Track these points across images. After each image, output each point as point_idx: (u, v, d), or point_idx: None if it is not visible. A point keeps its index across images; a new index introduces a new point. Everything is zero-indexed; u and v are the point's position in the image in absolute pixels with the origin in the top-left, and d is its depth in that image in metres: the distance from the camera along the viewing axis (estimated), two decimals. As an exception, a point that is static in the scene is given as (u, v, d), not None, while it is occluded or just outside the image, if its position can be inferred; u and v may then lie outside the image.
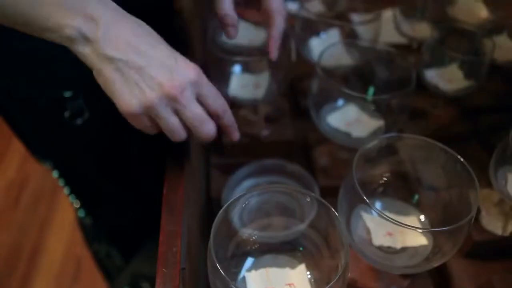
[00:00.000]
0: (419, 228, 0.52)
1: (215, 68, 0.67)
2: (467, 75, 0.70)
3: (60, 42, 0.43)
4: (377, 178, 0.57)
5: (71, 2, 0.41)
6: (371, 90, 0.67)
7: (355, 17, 0.84)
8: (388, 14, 0.88)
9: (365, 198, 0.46)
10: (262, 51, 0.66)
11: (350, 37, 0.79)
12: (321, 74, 0.61)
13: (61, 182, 0.82)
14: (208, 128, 0.49)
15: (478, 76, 0.69)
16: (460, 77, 0.70)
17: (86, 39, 0.42)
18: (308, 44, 0.80)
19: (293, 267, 0.50)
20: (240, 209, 0.50)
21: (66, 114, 0.67)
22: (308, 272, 0.49)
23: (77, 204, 0.88)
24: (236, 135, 0.55)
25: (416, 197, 0.56)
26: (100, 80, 0.45)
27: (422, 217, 0.55)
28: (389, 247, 0.52)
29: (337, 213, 0.50)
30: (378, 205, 0.56)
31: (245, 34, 0.79)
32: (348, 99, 0.66)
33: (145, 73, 0.44)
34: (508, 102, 0.70)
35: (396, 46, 0.83)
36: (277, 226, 0.54)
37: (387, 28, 0.85)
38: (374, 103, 0.65)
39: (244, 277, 0.48)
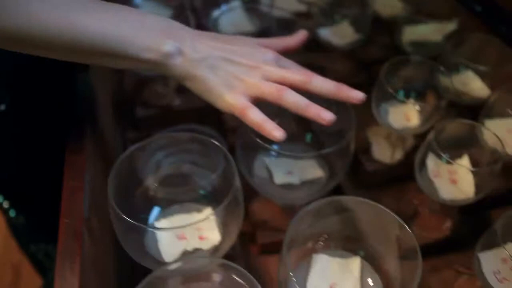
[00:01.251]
0: (310, 156, 0.57)
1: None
2: (357, 30, 0.76)
3: (155, 59, 0.47)
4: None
5: (163, 29, 0.48)
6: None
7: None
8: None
9: (264, 144, 0.50)
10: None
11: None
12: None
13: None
14: (300, 71, 0.51)
15: (365, 30, 0.75)
16: (350, 33, 0.76)
17: (180, 52, 0.47)
18: (213, 18, 0.84)
19: (199, 212, 0.53)
20: (146, 158, 0.53)
21: None
22: (215, 217, 0.52)
23: (6, 204, 0.86)
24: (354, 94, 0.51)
25: (309, 136, 0.61)
26: (197, 87, 0.49)
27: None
28: (289, 184, 0.57)
29: (241, 161, 0.55)
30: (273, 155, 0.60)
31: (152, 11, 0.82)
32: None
33: (232, 61, 0.49)
34: (393, 52, 0.77)
35: (297, 14, 0.89)
36: (185, 175, 0.57)
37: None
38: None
39: (152, 225, 0.51)
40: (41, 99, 0.71)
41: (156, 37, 0.47)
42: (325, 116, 0.47)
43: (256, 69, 0.49)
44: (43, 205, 0.88)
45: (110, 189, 0.44)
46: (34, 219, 0.90)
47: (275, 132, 0.46)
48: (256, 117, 0.47)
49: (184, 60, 0.48)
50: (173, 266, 0.41)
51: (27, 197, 0.86)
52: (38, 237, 0.94)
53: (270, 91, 0.48)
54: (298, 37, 0.56)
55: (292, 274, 0.39)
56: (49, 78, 0.71)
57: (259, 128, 0.47)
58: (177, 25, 0.50)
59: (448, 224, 0.60)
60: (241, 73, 0.49)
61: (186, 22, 0.72)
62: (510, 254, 0.42)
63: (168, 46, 0.47)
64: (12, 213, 0.88)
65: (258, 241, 0.60)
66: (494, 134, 0.53)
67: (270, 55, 0.51)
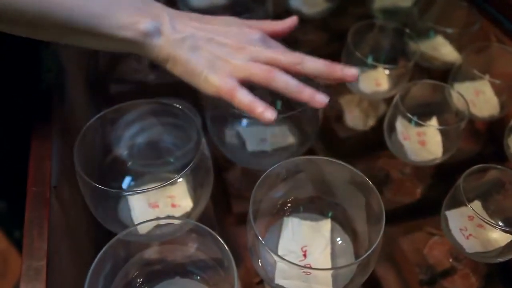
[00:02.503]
0: (280, 119, 0.56)
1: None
2: (327, -2, 0.76)
3: (132, 38, 0.44)
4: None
5: (140, 7, 0.45)
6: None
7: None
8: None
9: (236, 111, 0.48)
10: None
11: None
12: (183, 10, 0.64)
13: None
14: (289, 53, 0.47)
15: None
16: (321, 1, 0.76)
17: (159, 31, 0.44)
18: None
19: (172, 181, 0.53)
20: (118, 127, 0.53)
21: None
22: (186, 185, 0.52)
23: None
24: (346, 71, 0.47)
25: (279, 103, 0.61)
26: (179, 69, 0.46)
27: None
28: (262, 152, 0.57)
29: (214, 131, 0.55)
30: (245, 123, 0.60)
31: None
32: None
33: (216, 41, 0.46)
34: (365, 19, 0.78)
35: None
36: (158, 147, 0.57)
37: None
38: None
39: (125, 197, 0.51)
40: (7, 73, 0.70)
41: (132, 15, 0.44)
42: (319, 98, 0.45)
43: (242, 50, 0.46)
44: (25, 189, 0.87)
45: (76, 156, 0.44)
46: (17, 204, 0.89)
47: (267, 113, 0.43)
48: (245, 98, 0.44)
49: (164, 40, 0.45)
50: (141, 228, 0.42)
51: (7, 182, 0.85)
52: (22, 222, 0.94)
53: (258, 72, 0.45)
54: (287, 23, 0.52)
55: (260, 238, 0.39)
56: (13, 48, 0.69)
57: (249, 109, 0.44)
58: (155, 3, 0.47)
59: (419, 188, 0.61)
60: (226, 54, 0.46)
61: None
62: (475, 211, 0.43)
63: (146, 24, 0.44)
64: None
65: (233, 210, 0.60)
66: (459, 93, 0.53)
67: (257, 35, 0.48)
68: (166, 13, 0.46)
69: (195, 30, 0.46)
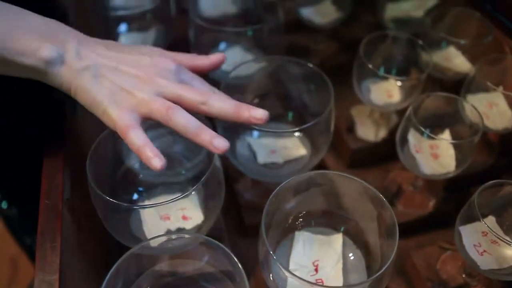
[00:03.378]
0: (292, 132, 0.57)
1: (101, 30, 0.69)
2: (339, 8, 0.76)
3: (34, 65, 0.41)
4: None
5: (44, 31, 0.42)
6: (249, 32, 0.71)
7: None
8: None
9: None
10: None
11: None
12: (194, 19, 0.64)
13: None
14: (197, 90, 0.44)
15: (347, 8, 0.75)
16: (332, 11, 0.76)
17: (61, 59, 0.42)
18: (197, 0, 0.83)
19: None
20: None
21: None
22: (197, 197, 0.52)
23: None
24: (254, 112, 0.44)
25: (291, 115, 0.61)
26: (81, 99, 0.43)
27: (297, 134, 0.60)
28: (273, 163, 0.57)
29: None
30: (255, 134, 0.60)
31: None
32: (229, 41, 0.70)
33: (121, 71, 0.43)
34: (376, 30, 0.77)
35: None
36: (170, 158, 0.57)
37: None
38: (254, 41, 0.69)
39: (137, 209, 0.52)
40: (20, 84, 0.71)
41: (34, 40, 0.41)
42: (218, 144, 0.41)
43: (148, 82, 0.43)
44: (36, 195, 0.88)
45: (88, 169, 0.44)
46: (28, 210, 0.90)
47: (153, 160, 0.40)
48: (136, 140, 0.41)
49: (67, 68, 0.42)
50: (153, 243, 0.42)
51: (18, 188, 0.86)
52: (32, 228, 0.94)
53: (159, 109, 0.42)
54: (212, 59, 0.48)
55: (272, 254, 0.39)
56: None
57: (138, 152, 0.41)
58: (63, 28, 0.44)
59: (432, 201, 0.60)
60: (130, 85, 0.42)
61: (167, 6, 0.73)
62: (489, 227, 0.43)
63: (47, 51, 0.41)
64: (4, 205, 0.87)
65: (245, 222, 0.60)
66: (473, 106, 0.53)
67: (170, 65, 0.45)
68: (73, 39, 0.43)
69: (101, 57, 0.43)
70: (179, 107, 0.42)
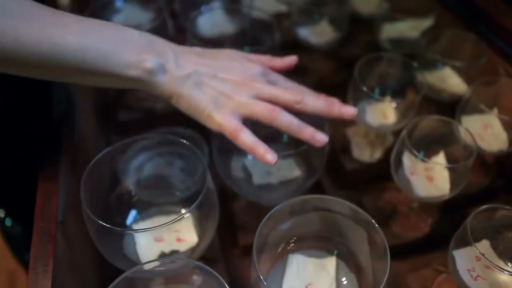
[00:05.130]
0: (287, 154, 0.56)
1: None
2: (336, 29, 0.76)
3: (138, 76, 0.45)
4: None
5: (143, 44, 0.46)
6: (246, 49, 0.72)
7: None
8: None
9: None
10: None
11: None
12: (192, 40, 0.65)
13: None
14: (291, 90, 0.48)
15: (344, 28, 0.76)
16: (329, 31, 0.77)
17: (163, 69, 0.46)
18: (192, 18, 0.84)
19: (178, 215, 0.54)
20: (124, 160, 0.53)
21: None
22: (191, 219, 0.52)
23: (2, 213, 0.85)
24: (345, 110, 0.49)
25: (286, 136, 0.61)
26: (183, 105, 0.47)
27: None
28: (268, 184, 0.57)
29: (219, 163, 0.55)
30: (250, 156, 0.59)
31: (131, 15, 0.82)
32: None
33: (219, 77, 0.47)
34: (373, 50, 0.78)
35: (277, 14, 0.89)
36: (164, 178, 0.58)
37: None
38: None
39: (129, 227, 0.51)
40: (23, 105, 0.71)
41: (138, 53, 0.45)
42: (319, 137, 0.46)
43: (245, 86, 0.47)
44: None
45: (82, 191, 0.44)
46: (32, 228, 0.90)
47: (268, 155, 0.45)
48: (248, 140, 0.45)
49: (169, 77, 0.46)
50: (146, 267, 0.41)
51: (23, 206, 0.85)
52: None
53: (262, 112, 0.46)
54: (287, 61, 0.53)
55: (262, 277, 0.39)
56: (25, 80, 0.70)
57: (252, 150, 0.45)
58: (159, 40, 0.48)
59: (427, 223, 0.60)
60: (229, 91, 0.47)
61: (165, 25, 0.73)
62: (481, 253, 0.42)
63: (150, 62, 0.45)
64: (8, 222, 0.87)
65: (240, 243, 0.60)
66: (467, 130, 0.53)
67: (258, 69, 0.49)
68: (170, 50, 0.47)
69: (199, 66, 0.47)
70: (280, 108, 0.47)
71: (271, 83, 0.49)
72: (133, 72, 0.45)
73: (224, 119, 0.46)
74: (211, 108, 0.46)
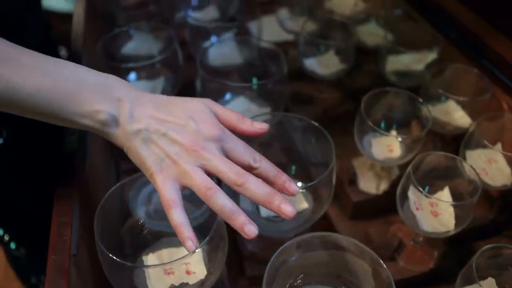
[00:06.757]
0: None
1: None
2: (342, 60, 0.78)
3: (91, 126, 0.45)
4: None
5: (100, 90, 0.45)
6: (254, 80, 0.74)
7: (246, 20, 0.91)
8: (280, 13, 0.95)
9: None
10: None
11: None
12: (201, 71, 0.67)
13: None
14: (236, 170, 0.45)
15: (350, 60, 0.78)
16: (336, 62, 0.78)
17: (116, 122, 0.46)
18: (202, 49, 0.86)
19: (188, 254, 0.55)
20: (135, 193, 0.54)
21: None
22: (201, 252, 0.53)
23: (7, 237, 0.86)
24: (288, 186, 0.47)
25: (294, 167, 0.62)
26: (132, 158, 0.47)
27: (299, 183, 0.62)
28: (275, 217, 0.58)
29: (227, 194, 0.56)
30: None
31: (142, 44, 0.84)
32: (234, 92, 0.72)
33: (169, 137, 0.46)
34: (378, 80, 0.79)
35: (284, 43, 0.91)
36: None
37: (275, 28, 0.93)
38: (258, 92, 0.71)
39: (141, 260, 0.52)
40: (37, 134, 0.73)
41: (93, 103, 0.44)
42: (248, 230, 0.44)
43: (192, 153, 0.45)
44: (45, 237, 0.88)
45: (96, 226, 0.45)
46: (36, 250, 0.89)
47: (188, 242, 0.44)
48: (176, 219, 0.44)
49: (120, 130, 0.46)
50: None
51: (28, 230, 0.85)
52: (39, 268, 0.94)
53: (199, 187, 0.45)
54: (257, 127, 0.50)
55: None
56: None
57: (175, 229, 0.44)
58: (119, 85, 0.47)
59: (432, 257, 0.61)
60: (175, 154, 0.45)
61: (175, 55, 0.75)
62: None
63: (103, 114, 0.45)
64: (12, 245, 0.88)
65: (247, 273, 0.61)
66: (471, 166, 0.54)
67: (214, 133, 0.46)
68: (127, 99, 0.46)
69: (152, 120, 0.46)
70: (217, 188, 0.45)
71: (225, 151, 0.47)
72: (87, 122, 0.45)
73: (164, 186, 0.45)
74: (154, 169, 0.46)
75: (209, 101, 0.49)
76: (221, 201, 0.45)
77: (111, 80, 0.47)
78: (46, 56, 0.45)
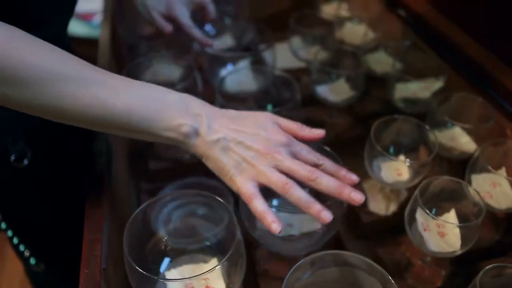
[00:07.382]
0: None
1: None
2: (352, 87, 0.82)
3: (175, 137, 0.51)
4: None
5: (182, 108, 0.51)
6: (269, 106, 0.78)
7: (261, 48, 0.96)
8: (293, 41, 1.00)
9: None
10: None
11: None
12: (219, 98, 0.71)
13: (9, 233, 0.83)
14: (307, 168, 0.51)
15: (360, 87, 0.82)
16: (346, 89, 0.82)
17: (197, 133, 0.51)
18: (219, 77, 0.90)
19: (206, 262, 0.58)
20: (157, 213, 0.58)
21: (12, 157, 0.70)
22: (220, 267, 0.56)
23: (27, 253, 0.89)
24: (348, 177, 0.54)
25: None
26: (210, 165, 0.53)
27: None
28: (290, 236, 0.61)
29: (244, 214, 0.60)
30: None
31: (163, 72, 0.89)
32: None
33: (244, 145, 0.52)
34: (387, 107, 0.83)
35: (297, 70, 0.96)
36: (193, 228, 0.62)
37: (288, 55, 0.97)
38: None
39: (163, 275, 0.56)
40: (61, 154, 0.77)
41: (176, 118, 0.50)
42: (324, 216, 0.50)
43: (266, 156, 0.51)
44: (65, 254, 0.90)
45: (125, 243, 0.49)
46: (55, 266, 0.91)
47: (273, 225, 0.49)
48: (259, 207, 0.50)
49: (200, 140, 0.51)
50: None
51: (48, 246, 0.88)
52: (57, 284, 0.96)
53: (276, 183, 0.51)
54: (315, 133, 0.57)
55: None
56: (69, 134, 0.76)
57: (260, 217, 0.50)
58: (196, 103, 0.53)
59: (440, 276, 0.63)
60: (251, 158, 0.52)
61: (195, 83, 0.80)
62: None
63: (186, 127, 0.50)
64: (32, 261, 0.90)
65: (261, 289, 0.64)
66: (475, 190, 0.57)
67: (283, 140, 0.53)
68: (205, 113, 0.53)
69: (228, 131, 0.52)
70: (294, 183, 0.51)
71: (293, 154, 0.53)
72: (171, 134, 0.51)
73: (243, 184, 0.51)
74: (233, 172, 0.52)
75: (271, 114, 0.57)
76: (297, 193, 0.50)
77: (187, 98, 0.53)
78: (130, 79, 0.51)
